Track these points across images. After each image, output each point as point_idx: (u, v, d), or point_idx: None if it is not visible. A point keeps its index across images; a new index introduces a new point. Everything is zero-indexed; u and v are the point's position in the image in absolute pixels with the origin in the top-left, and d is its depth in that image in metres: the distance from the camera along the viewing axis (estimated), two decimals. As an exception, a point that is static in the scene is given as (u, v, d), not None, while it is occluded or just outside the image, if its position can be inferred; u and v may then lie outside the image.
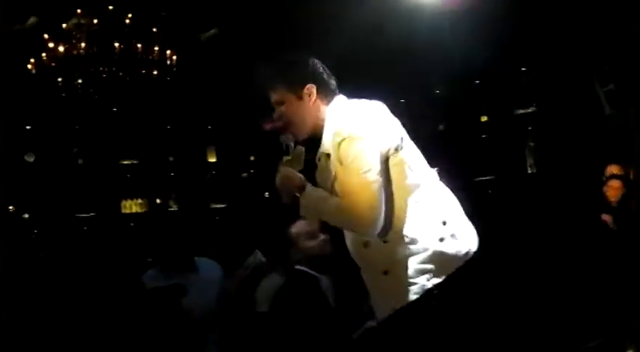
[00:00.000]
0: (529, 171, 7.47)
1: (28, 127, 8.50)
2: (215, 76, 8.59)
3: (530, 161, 7.46)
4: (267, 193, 9.45)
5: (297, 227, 4.38)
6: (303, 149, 3.24)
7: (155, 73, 7.27)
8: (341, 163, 2.98)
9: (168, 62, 7.28)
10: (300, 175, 3.17)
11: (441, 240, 3.04)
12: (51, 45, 6.96)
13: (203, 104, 9.17)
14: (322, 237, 4.37)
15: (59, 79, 7.15)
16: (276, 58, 3.25)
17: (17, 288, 7.30)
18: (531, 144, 7.43)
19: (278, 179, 3.17)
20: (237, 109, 9.23)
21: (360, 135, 2.96)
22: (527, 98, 7.41)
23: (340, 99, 3.20)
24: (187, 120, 9.35)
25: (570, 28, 6.93)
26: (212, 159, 9.56)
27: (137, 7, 7.14)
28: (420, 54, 7.16)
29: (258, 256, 4.84)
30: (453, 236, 3.07)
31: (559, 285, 6.03)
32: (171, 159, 9.34)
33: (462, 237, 3.11)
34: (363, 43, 6.76)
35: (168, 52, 7.25)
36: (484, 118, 7.76)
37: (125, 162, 9.07)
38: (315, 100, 3.15)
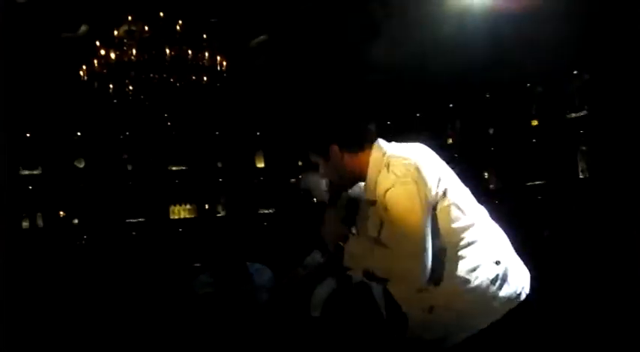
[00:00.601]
0: (581, 176, 7.37)
1: (78, 134, 8.57)
2: (264, 82, 8.61)
3: (582, 166, 7.35)
4: (315, 199, 9.44)
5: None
6: (348, 196, 3.26)
7: (205, 79, 7.29)
8: (386, 211, 2.96)
9: (219, 68, 7.29)
10: (343, 226, 3.19)
11: (494, 281, 3.02)
12: (102, 52, 7.02)
13: (251, 110, 9.19)
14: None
15: (110, 86, 7.21)
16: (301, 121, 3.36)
17: (67, 291, 7.40)
18: (583, 148, 7.33)
19: (323, 229, 3.19)
20: (286, 115, 9.24)
21: (405, 184, 2.94)
22: (579, 101, 7.32)
23: (380, 145, 3.18)
24: (236, 126, 9.37)
25: (622, 30, 6.86)
26: (260, 165, 9.57)
27: (187, 13, 7.17)
28: (470, 57, 7.12)
29: (317, 257, 4.81)
30: (505, 276, 3.05)
31: (614, 294, 5.94)
32: (219, 164, 9.36)
33: (514, 278, 3.09)
34: (414, 46, 6.75)
35: (218, 57, 7.28)
36: (535, 122, 7.67)
37: (174, 168, 9.11)
38: (342, 156, 3.16)
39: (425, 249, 2.88)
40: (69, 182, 8.53)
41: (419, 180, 2.94)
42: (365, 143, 3.19)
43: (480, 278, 3.01)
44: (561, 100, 7.45)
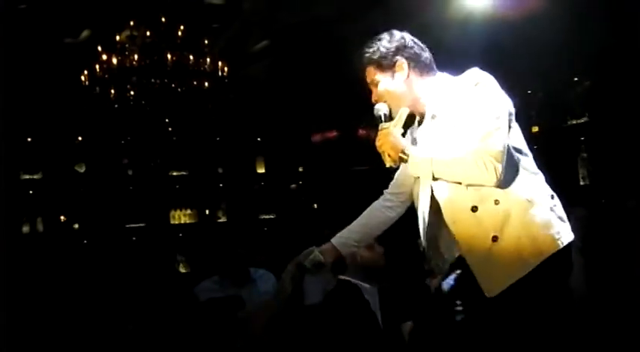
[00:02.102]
0: (581, 183, 7.37)
1: (79, 138, 8.58)
2: (264, 88, 8.62)
3: (582, 172, 7.36)
4: (315, 204, 9.46)
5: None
6: (407, 109, 3.19)
7: (206, 84, 7.30)
8: (463, 111, 2.96)
9: (220, 73, 7.30)
10: (403, 139, 3.15)
11: (552, 209, 2.99)
12: (104, 57, 7.03)
13: (252, 115, 9.21)
14: (378, 249, 4.36)
15: (112, 91, 7.21)
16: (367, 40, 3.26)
17: (68, 296, 7.40)
18: (584, 155, 7.34)
19: (381, 140, 3.11)
20: (286, 120, 9.26)
21: (494, 85, 2.98)
22: (580, 108, 7.33)
23: (443, 74, 3.21)
24: (236, 132, 9.38)
25: (622, 37, 6.87)
26: (261, 170, 9.58)
27: (189, 19, 7.19)
28: (470, 64, 7.13)
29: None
30: (561, 210, 3.04)
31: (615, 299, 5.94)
32: (220, 170, 9.37)
33: (564, 217, 3.05)
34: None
35: (219, 63, 7.28)
36: (535, 129, 7.68)
37: (175, 173, 9.12)
38: (408, 75, 3.16)
39: (504, 145, 2.90)
40: (70, 187, 8.53)
41: (492, 84, 3.00)
42: (432, 67, 3.23)
43: (540, 203, 2.96)
44: (562, 107, 7.47)
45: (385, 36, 3.22)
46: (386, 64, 3.17)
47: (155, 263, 8.40)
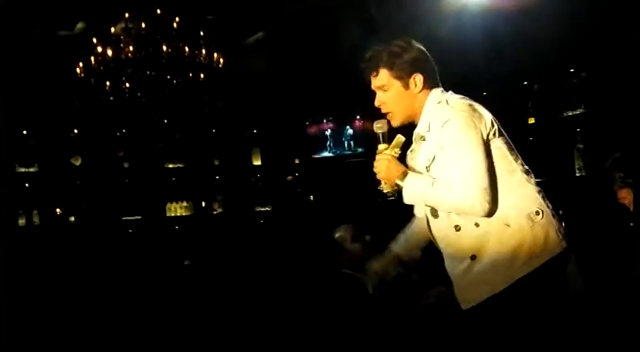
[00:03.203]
0: (577, 174, 7.36)
1: (75, 131, 8.56)
2: (260, 79, 8.60)
3: (578, 164, 7.35)
4: (311, 196, 9.45)
5: (339, 231, 4.39)
6: (404, 139, 3.24)
7: (202, 76, 7.29)
8: (442, 146, 3.04)
9: (215, 65, 7.28)
10: (401, 165, 3.20)
11: (532, 228, 3.06)
12: (99, 49, 7.01)
13: (248, 107, 9.19)
14: (367, 238, 4.37)
15: (107, 83, 7.19)
16: (387, 42, 3.26)
17: (64, 289, 7.39)
18: (580, 146, 7.33)
19: (379, 167, 3.18)
20: (283, 112, 9.25)
21: (464, 117, 3.02)
22: (576, 99, 7.31)
23: (439, 89, 3.25)
24: (232, 124, 9.37)
25: (619, 27, 6.86)
26: (257, 163, 9.57)
27: (184, 10, 7.16)
28: (466, 55, 7.12)
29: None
30: (545, 226, 3.08)
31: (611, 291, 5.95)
32: (216, 162, 9.36)
33: (553, 230, 3.11)
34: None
35: (215, 55, 7.27)
36: (531, 120, 7.67)
37: (170, 166, 9.10)
38: (420, 90, 3.20)
39: (487, 178, 2.98)
40: (65, 179, 8.51)
41: (475, 115, 3.05)
42: (437, 83, 3.28)
43: (520, 224, 3.05)
44: (558, 98, 7.45)
45: (405, 44, 3.24)
46: (403, 74, 3.19)
47: (152, 256, 8.39)
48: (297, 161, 9.69)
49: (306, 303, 4.52)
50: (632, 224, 6.14)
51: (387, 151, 3.19)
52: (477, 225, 3.04)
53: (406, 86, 3.18)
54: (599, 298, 5.78)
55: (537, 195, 3.15)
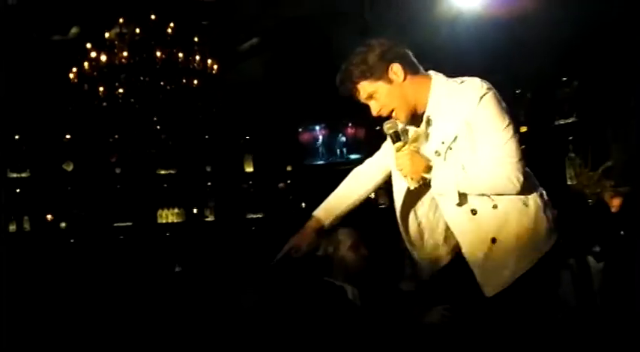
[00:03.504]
0: (569, 183, 7.39)
1: (67, 136, 8.55)
2: (254, 86, 8.62)
3: (570, 172, 7.38)
4: (303, 204, 9.46)
5: (342, 233, 4.35)
6: (421, 130, 3.15)
7: (196, 82, 7.28)
8: (471, 125, 2.96)
9: (209, 71, 7.29)
10: (424, 156, 3.10)
11: (544, 208, 3.05)
12: (93, 54, 7.00)
13: (241, 114, 9.20)
14: (363, 251, 4.35)
15: (100, 88, 7.18)
16: (348, 56, 3.16)
17: (55, 294, 7.37)
18: (572, 155, 7.36)
19: (402, 164, 3.09)
20: (275, 119, 9.26)
21: (495, 93, 2.98)
22: (568, 108, 7.34)
23: (438, 74, 3.17)
24: (225, 130, 9.38)
25: (611, 37, 6.90)
26: (249, 169, 9.58)
27: (179, 16, 7.17)
28: (459, 63, 7.15)
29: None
30: (550, 208, 3.09)
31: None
32: (208, 169, 9.36)
33: (553, 212, 3.11)
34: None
35: (209, 61, 7.27)
36: (524, 129, 7.69)
37: (162, 172, 9.10)
38: (405, 78, 3.09)
39: (518, 149, 2.94)
40: (57, 185, 8.49)
41: (500, 98, 3.01)
42: (421, 69, 3.17)
43: (535, 204, 3.03)
44: (550, 107, 7.48)
45: (364, 48, 3.14)
46: (379, 73, 3.09)
47: (143, 262, 8.37)
48: (289, 168, 9.71)
49: (296, 310, 4.48)
50: (622, 232, 6.19)
51: (406, 147, 3.10)
52: (495, 206, 3.00)
53: (389, 81, 3.09)
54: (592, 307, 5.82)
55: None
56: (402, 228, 3.32)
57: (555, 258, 3.08)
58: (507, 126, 2.93)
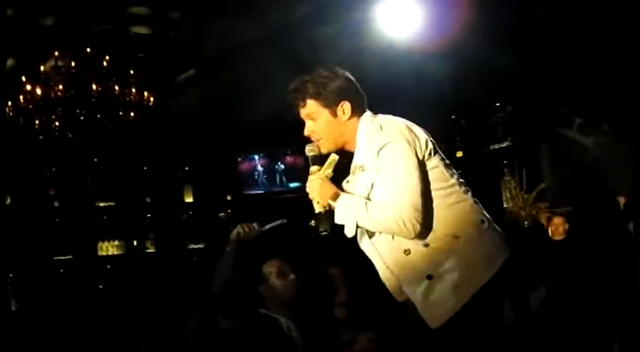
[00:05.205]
0: (504, 206, 7.51)
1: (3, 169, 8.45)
2: (191, 117, 8.62)
3: (505, 195, 7.50)
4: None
5: (269, 265, 4.42)
6: (337, 157, 3.24)
7: (132, 114, 7.26)
8: (378, 169, 3.03)
9: (145, 104, 7.27)
10: (333, 185, 3.18)
11: (482, 236, 3.07)
12: (28, 87, 6.95)
13: (179, 145, 9.19)
14: (291, 276, 4.40)
15: (36, 122, 7.12)
16: (311, 72, 3.24)
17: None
18: (507, 178, 7.48)
19: (311, 187, 3.19)
20: (213, 149, 9.26)
21: (400, 141, 3.01)
22: (502, 133, 7.48)
23: (368, 114, 3.24)
24: (164, 161, 9.35)
25: (543, 62, 7.04)
26: (189, 200, 9.56)
27: (114, 48, 7.15)
28: (394, 91, 7.21)
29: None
30: (492, 233, 3.10)
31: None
32: (148, 200, 9.32)
33: (498, 236, 3.13)
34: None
35: (145, 93, 7.26)
36: (459, 153, 7.81)
37: (102, 204, 9.04)
38: (349, 117, 3.19)
39: (420, 201, 2.96)
40: (-7, 219, 8.39)
41: (410, 137, 3.04)
42: (365, 108, 3.25)
43: (469, 236, 3.04)
44: (484, 132, 7.61)
45: (330, 73, 3.22)
46: (330, 102, 3.18)
47: (84, 295, 8.29)
48: (229, 198, 9.71)
49: (234, 342, 4.47)
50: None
51: (320, 172, 3.20)
52: (426, 245, 3.03)
53: (334, 114, 3.19)
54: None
55: (477, 205, 3.15)
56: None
57: (499, 284, 3.08)
58: (407, 176, 2.98)
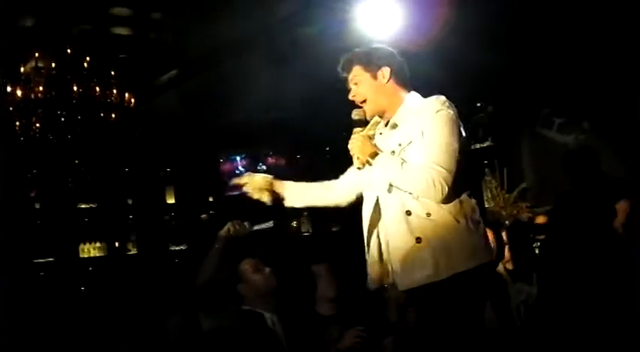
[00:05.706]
0: (486, 206, 7.54)
1: (-17, 172, 8.42)
2: (173, 118, 8.61)
3: (487, 195, 7.53)
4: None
5: (243, 263, 4.48)
6: (380, 119, 3.55)
7: (113, 116, 7.25)
8: (422, 133, 3.24)
9: (127, 105, 7.26)
10: (373, 143, 3.43)
11: (475, 231, 3.27)
12: (8, 89, 6.92)
13: (161, 146, 9.17)
14: (267, 270, 4.46)
15: (17, 123, 7.09)
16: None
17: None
18: (488, 178, 7.51)
19: (352, 144, 3.41)
20: (195, 150, 9.25)
21: (453, 113, 3.31)
22: (483, 133, 7.50)
23: (416, 93, 3.52)
24: (145, 162, 9.33)
25: (524, 61, 7.07)
26: (171, 201, 9.55)
27: (95, 49, 7.13)
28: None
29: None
30: (484, 234, 3.35)
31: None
32: (129, 201, 9.30)
33: (488, 239, 3.43)
34: (318, 84, 6.84)
35: (126, 94, 7.24)
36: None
37: (83, 206, 9.01)
38: (388, 81, 3.49)
39: (453, 168, 3.18)
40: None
41: (457, 117, 3.33)
42: (409, 84, 3.57)
43: (468, 221, 3.25)
44: (465, 131, 7.63)
45: (379, 46, 3.64)
46: (372, 67, 3.51)
47: (65, 298, 8.25)
48: (211, 199, 9.70)
49: (218, 339, 4.48)
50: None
51: (363, 132, 3.46)
52: (428, 214, 3.21)
53: (374, 77, 3.50)
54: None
55: (477, 206, 3.38)
56: (366, 248, 3.54)
57: (479, 280, 3.26)
58: (450, 142, 3.22)
